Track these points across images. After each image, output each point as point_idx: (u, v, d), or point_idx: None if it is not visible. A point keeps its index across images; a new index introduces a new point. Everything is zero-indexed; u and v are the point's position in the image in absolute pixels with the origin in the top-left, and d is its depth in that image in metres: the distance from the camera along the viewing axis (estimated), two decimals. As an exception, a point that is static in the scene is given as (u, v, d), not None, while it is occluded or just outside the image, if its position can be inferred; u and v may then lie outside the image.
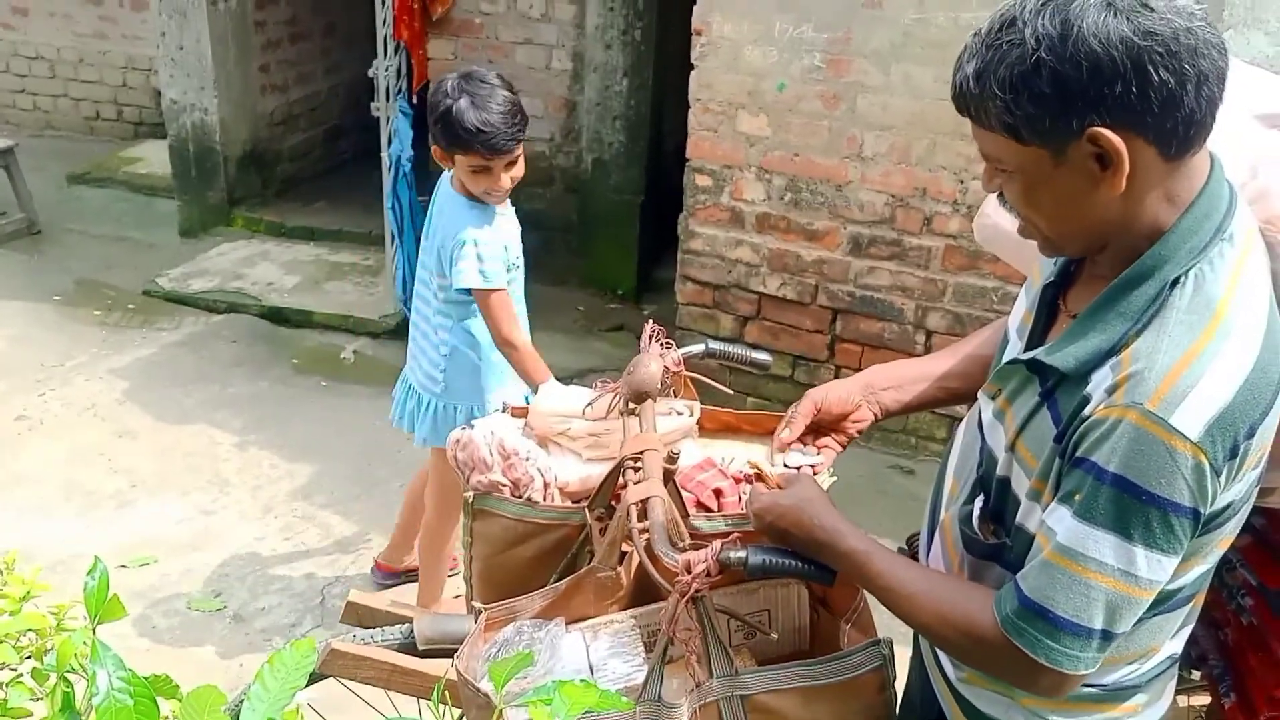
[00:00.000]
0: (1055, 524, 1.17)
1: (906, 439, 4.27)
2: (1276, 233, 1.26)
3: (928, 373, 1.66)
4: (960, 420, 1.57)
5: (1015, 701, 1.36)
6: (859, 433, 1.65)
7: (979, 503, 1.36)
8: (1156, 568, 1.13)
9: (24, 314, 5.13)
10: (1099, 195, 1.15)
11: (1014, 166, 1.18)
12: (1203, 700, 1.78)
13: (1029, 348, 1.32)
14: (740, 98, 4.13)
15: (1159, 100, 1.08)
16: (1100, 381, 1.16)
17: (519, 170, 2.67)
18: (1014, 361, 1.29)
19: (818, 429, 1.68)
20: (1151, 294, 1.16)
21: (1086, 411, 1.15)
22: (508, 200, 2.77)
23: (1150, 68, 1.06)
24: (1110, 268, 1.21)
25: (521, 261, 2.83)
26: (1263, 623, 1.56)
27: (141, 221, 6.35)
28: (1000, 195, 1.26)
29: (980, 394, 1.40)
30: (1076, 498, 1.14)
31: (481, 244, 2.64)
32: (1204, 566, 1.25)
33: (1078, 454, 1.15)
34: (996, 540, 1.32)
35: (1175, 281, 1.15)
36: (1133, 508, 1.10)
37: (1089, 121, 1.10)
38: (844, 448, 1.68)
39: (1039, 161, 1.15)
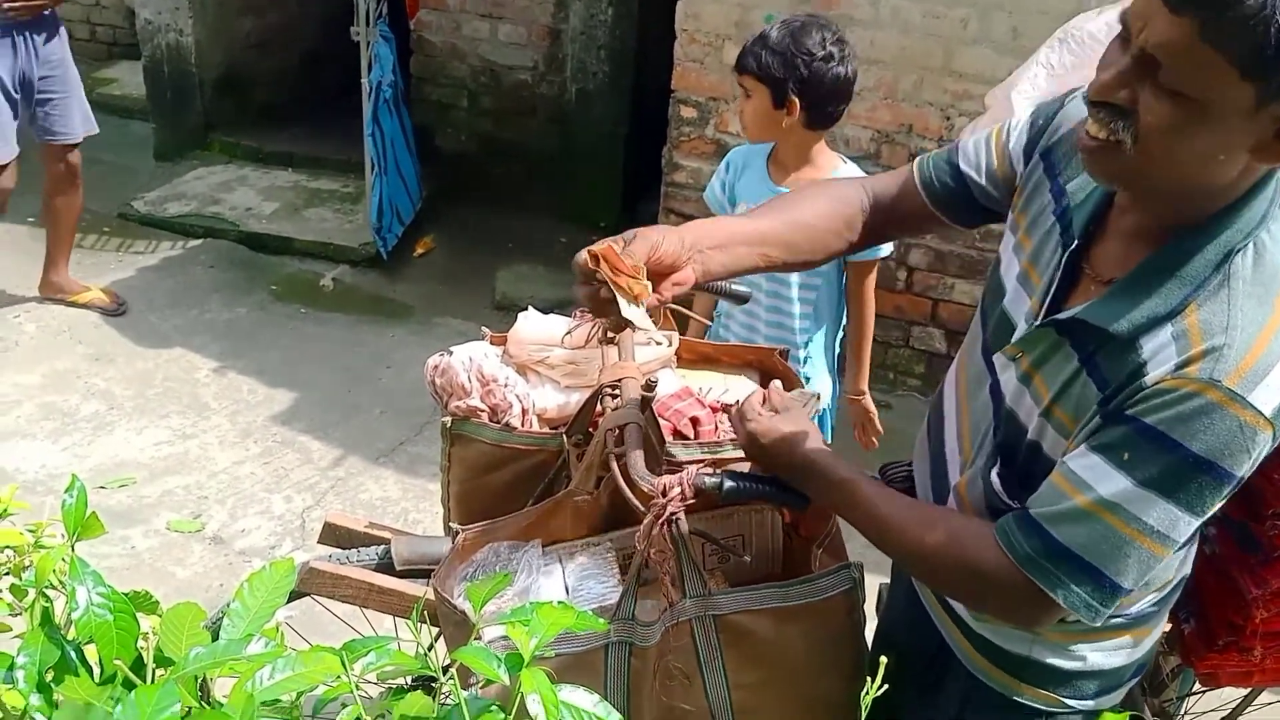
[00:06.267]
0: (1094, 477, 1.14)
1: (885, 374, 4.29)
2: None
3: (751, 235, 1.46)
4: (942, 377, 1.54)
5: (1040, 636, 1.36)
6: (674, 298, 1.40)
7: (998, 468, 1.33)
8: (1187, 530, 1.13)
9: (-3, 236, 5.06)
10: (1242, 159, 1.07)
11: (1198, 94, 1.02)
12: (1164, 627, 1.82)
13: (1050, 310, 1.26)
14: (727, 29, 4.07)
15: None
16: (1159, 348, 1.12)
17: None
18: (1045, 325, 1.24)
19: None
20: (1213, 260, 1.12)
21: (1148, 380, 1.11)
22: None
23: None
24: (1151, 230, 1.17)
25: None
26: (1225, 552, 1.60)
27: (116, 144, 6.22)
28: (1103, 107, 1.08)
29: (996, 356, 1.34)
30: (1125, 456, 1.11)
31: None
32: None
33: (1130, 413, 1.12)
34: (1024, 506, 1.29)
35: (1236, 249, 1.12)
36: (1193, 478, 1.09)
37: None
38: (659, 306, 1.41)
39: (1233, 104, 1.01)
